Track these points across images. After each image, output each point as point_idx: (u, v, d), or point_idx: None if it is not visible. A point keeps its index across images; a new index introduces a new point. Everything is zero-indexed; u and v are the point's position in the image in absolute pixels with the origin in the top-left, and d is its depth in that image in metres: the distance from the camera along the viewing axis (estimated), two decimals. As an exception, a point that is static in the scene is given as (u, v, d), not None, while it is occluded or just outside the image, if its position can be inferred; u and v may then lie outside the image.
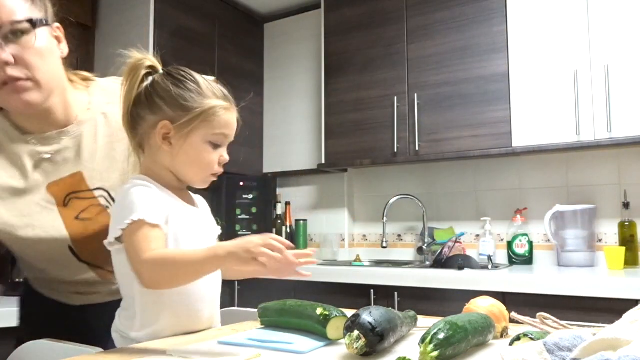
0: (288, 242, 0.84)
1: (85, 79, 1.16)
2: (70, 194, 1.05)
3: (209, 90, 0.99)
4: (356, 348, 0.77)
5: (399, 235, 3.08)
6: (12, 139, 1.03)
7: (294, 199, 3.35)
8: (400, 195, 2.91)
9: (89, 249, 1.08)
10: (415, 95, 2.67)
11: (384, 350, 0.82)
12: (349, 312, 0.88)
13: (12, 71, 0.90)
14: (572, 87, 2.29)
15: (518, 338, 0.77)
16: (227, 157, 1.02)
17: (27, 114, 1.00)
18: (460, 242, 2.69)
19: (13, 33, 0.90)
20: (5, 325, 1.78)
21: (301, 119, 3.29)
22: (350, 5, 2.93)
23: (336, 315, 0.90)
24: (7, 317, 1.80)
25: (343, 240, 3.18)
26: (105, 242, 0.96)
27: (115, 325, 1.02)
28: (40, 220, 1.03)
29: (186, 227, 0.99)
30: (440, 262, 2.49)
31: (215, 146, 1.00)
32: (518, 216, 2.65)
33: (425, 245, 2.83)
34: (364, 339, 0.77)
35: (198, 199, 1.12)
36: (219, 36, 3.06)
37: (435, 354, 0.72)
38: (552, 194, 2.65)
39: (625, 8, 2.22)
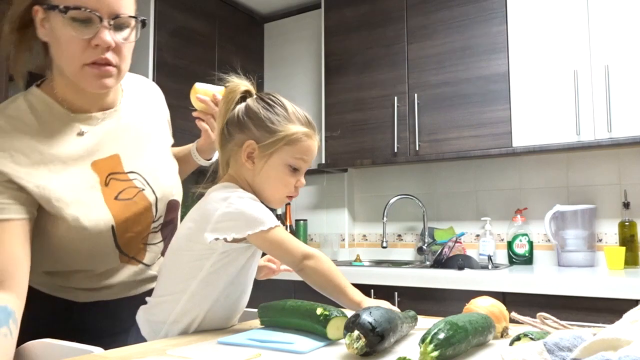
0: None
1: None
2: (110, 174, 1.07)
3: (294, 116, 1.05)
4: (356, 348, 0.77)
5: (399, 235, 3.08)
6: (57, 115, 1.04)
7: (294, 199, 3.35)
8: (400, 195, 2.91)
9: (127, 231, 1.09)
10: (415, 95, 2.67)
11: (384, 350, 0.82)
12: (349, 312, 0.88)
13: (111, 56, 0.99)
14: (572, 87, 2.29)
15: (518, 338, 0.77)
16: (304, 182, 1.07)
17: (82, 94, 1.04)
18: (460, 242, 2.69)
19: (122, 24, 1.00)
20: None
21: (301, 119, 3.29)
22: (350, 5, 2.93)
23: (336, 315, 0.90)
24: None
25: (343, 240, 3.18)
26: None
27: (147, 314, 1.05)
28: (87, 197, 1.03)
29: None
30: (441, 262, 2.50)
31: (294, 170, 1.04)
32: (518, 216, 2.66)
33: (426, 245, 2.83)
34: (364, 339, 0.77)
35: None
36: (219, 36, 3.06)
37: (435, 354, 0.72)
38: (552, 194, 2.65)
39: (625, 8, 2.22)
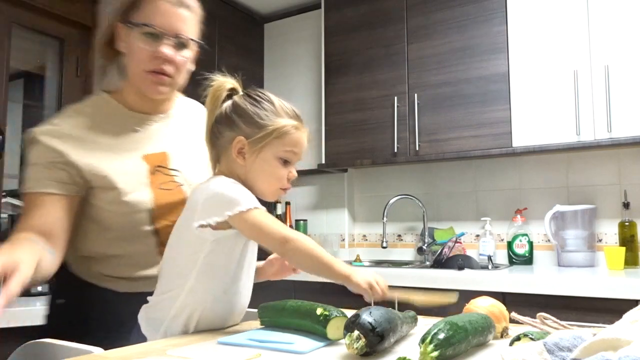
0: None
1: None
2: (157, 166, 1.22)
3: (282, 110, 1.07)
4: (356, 348, 0.77)
5: (399, 235, 3.08)
6: (118, 114, 1.24)
7: (294, 199, 3.35)
8: (400, 195, 2.91)
9: (164, 218, 1.20)
10: (415, 95, 2.67)
11: (384, 350, 0.82)
12: (349, 312, 0.88)
13: (167, 67, 1.18)
14: (572, 87, 2.29)
15: (518, 338, 0.77)
16: (295, 174, 1.10)
17: (143, 99, 1.24)
18: (460, 242, 2.69)
19: (183, 43, 1.20)
20: (4, 325, 1.78)
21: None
22: (350, 5, 2.93)
23: (336, 315, 0.91)
24: (6, 317, 1.81)
25: (343, 240, 3.18)
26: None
27: (148, 312, 1.06)
28: (135, 179, 1.18)
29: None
30: (440, 262, 2.49)
31: (285, 162, 1.07)
32: (518, 216, 2.66)
33: (425, 245, 2.83)
34: (364, 339, 0.77)
35: None
36: (219, 36, 3.06)
37: (435, 354, 0.72)
38: (552, 194, 2.65)
39: (625, 8, 2.22)
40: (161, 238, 1.18)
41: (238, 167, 1.07)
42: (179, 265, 1.03)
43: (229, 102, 1.08)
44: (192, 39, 1.22)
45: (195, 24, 1.25)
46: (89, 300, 1.19)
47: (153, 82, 1.19)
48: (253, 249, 1.10)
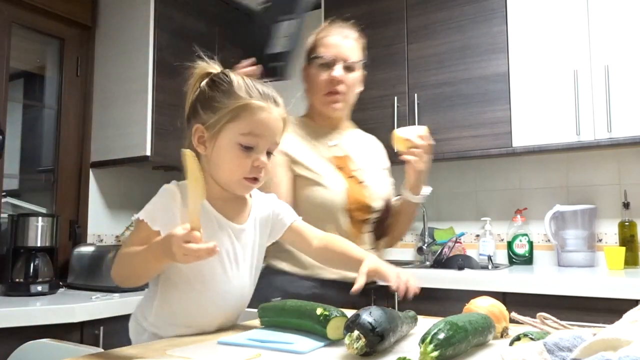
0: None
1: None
2: (339, 167, 1.48)
3: (242, 91, 0.97)
4: (356, 348, 0.77)
5: (399, 235, 3.08)
6: (316, 131, 1.52)
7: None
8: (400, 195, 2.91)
9: (354, 202, 1.44)
10: (415, 95, 2.67)
11: (384, 350, 0.82)
12: (349, 312, 0.88)
13: (340, 87, 1.46)
14: (572, 87, 2.29)
15: (518, 338, 0.77)
16: (264, 162, 0.98)
17: (326, 119, 1.52)
18: (460, 242, 2.69)
19: (350, 67, 1.48)
20: (5, 325, 1.78)
21: (301, 119, 3.29)
22: (350, 5, 2.93)
23: (336, 315, 0.90)
24: (7, 317, 1.81)
25: (343, 240, 3.18)
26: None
27: (135, 310, 1.06)
28: (330, 172, 1.45)
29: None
30: (440, 262, 2.49)
31: (247, 148, 0.97)
32: (518, 216, 2.65)
33: (425, 245, 2.83)
34: (364, 339, 0.77)
35: (263, 203, 1.11)
36: (219, 36, 3.06)
37: (435, 354, 0.72)
38: (552, 194, 2.65)
39: (625, 8, 2.22)
40: (355, 225, 1.46)
41: (203, 160, 1.00)
42: None
43: (197, 90, 1.02)
44: (360, 62, 1.50)
45: (358, 50, 1.51)
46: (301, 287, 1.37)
47: (330, 102, 1.46)
48: (237, 252, 1.03)
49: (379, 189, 1.53)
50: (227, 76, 1.00)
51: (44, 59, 2.85)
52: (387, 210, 1.55)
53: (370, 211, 1.48)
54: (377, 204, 1.49)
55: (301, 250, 1.19)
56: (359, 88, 1.54)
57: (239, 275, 1.04)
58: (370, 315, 0.80)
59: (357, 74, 1.50)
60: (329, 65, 1.45)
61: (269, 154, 1.01)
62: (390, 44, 2.78)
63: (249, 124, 0.96)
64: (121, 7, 2.78)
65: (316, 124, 1.52)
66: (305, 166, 1.43)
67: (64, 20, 2.72)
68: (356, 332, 0.78)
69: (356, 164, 1.51)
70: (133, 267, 0.93)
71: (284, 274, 1.40)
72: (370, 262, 1.08)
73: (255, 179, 1.00)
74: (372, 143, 1.67)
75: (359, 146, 1.58)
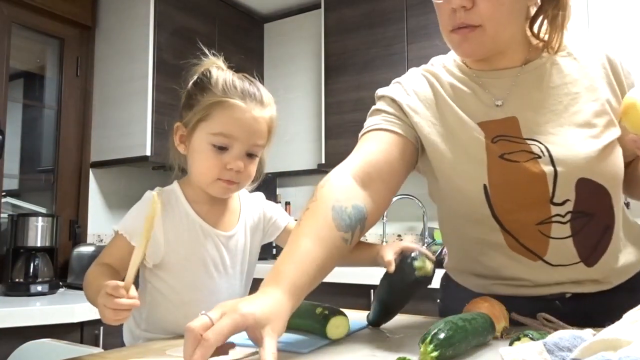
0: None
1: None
2: (499, 135, 0.94)
3: (219, 87, 0.92)
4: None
5: (399, 235, 3.08)
6: (462, 75, 1.02)
7: (294, 199, 3.35)
8: (400, 195, 2.91)
9: (507, 200, 0.93)
10: (415, 95, 2.67)
11: (384, 349, 0.82)
12: (349, 312, 0.87)
13: (465, 18, 0.91)
14: (572, 87, 2.29)
15: (518, 338, 0.77)
16: (239, 164, 0.92)
17: (473, 60, 1.00)
18: (460, 242, 2.69)
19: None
20: (5, 325, 1.78)
21: (301, 119, 3.29)
22: (350, 5, 2.93)
23: (336, 315, 0.90)
24: (7, 317, 1.81)
25: (343, 240, 3.18)
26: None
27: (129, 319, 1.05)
28: (466, 152, 0.95)
29: (187, 256, 0.97)
30: (440, 262, 2.49)
31: (220, 149, 0.92)
32: (518, 216, 2.65)
33: (425, 245, 2.83)
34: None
35: (251, 205, 1.08)
36: (219, 36, 3.06)
37: (435, 354, 0.71)
38: (552, 194, 2.65)
39: (624, 9, 2.22)
40: (510, 228, 0.95)
41: (185, 159, 0.98)
42: (140, 279, 1.02)
43: None
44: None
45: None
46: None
47: (458, 39, 0.97)
48: (197, 267, 0.98)
49: (574, 160, 0.93)
50: (209, 72, 0.95)
51: (44, 59, 2.85)
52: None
53: (551, 210, 0.94)
54: (567, 186, 0.93)
55: None
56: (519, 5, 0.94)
57: (228, 283, 1.02)
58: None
59: None
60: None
61: (251, 156, 0.97)
62: (390, 44, 2.78)
63: (221, 123, 0.91)
64: (121, 7, 2.78)
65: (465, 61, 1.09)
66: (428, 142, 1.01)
67: (64, 20, 2.73)
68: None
69: (536, 129, 0.97)
70: (88, 294, 0.91)
71: None
72: (389, 245, 0.97)
73: (231, 182, 0.95)
74: (567, 66, 1.03)
75: (556, 94, 0.99)
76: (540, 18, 0.96)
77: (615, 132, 0.93)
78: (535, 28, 0.97)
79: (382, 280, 0.95)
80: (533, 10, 0.97)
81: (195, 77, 0.97)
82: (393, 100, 1.03)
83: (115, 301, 0.77)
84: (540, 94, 0.95)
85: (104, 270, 0.90)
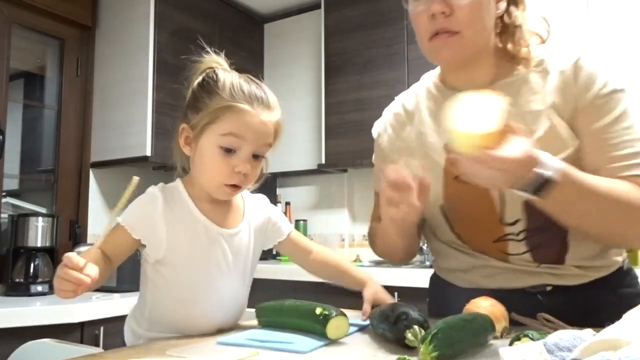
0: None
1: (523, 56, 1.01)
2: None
3: (225, 91, 0.93)
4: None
5: (399, 235, 3.08)
6: (438, 94, 1.06)
7: (294, 199, 3.35)
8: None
9: (464, 220, 1.01)
10: (415, 95, 2.67)
11: (386, 350, 0.82)
12: (349, 312, 0.87)
13: (444, 23, 0.93)
14: (572, 87, 2.29)
15: (518, 338, 0.77)
16: (247, 167, 0.93)
17: (451, 68, 1.01)
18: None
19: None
20: (5, 325, 1.78)
21: (301, 119, 3.29)
22: (350, 5, 2.93)
23: (336, 315, 0.90)
24: (7, 317, 1.81)
25: (343, 240, 3.18)
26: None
27: (128, 318, 1.05)
28: (429, 169, 1.00)
29: (189, 253, 0.97)
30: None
31: (228, 151, 0.92)
32: (518, 216, 2.65)
33: (425, 245, 2.83)
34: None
35: (256, 206, 1.08)
36: (219, 36, 3.06)
37: (435, 354, 0.71)
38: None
39: (624, 9, 2.22)
40: (473, 246, 1.02)
41: (190, 161, 0.98)
42: (141, 277, 1.02)
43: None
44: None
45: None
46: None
47: (437, 46, 0.96)
48: (204, 264, 0.99)
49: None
50: (215, 74, 0.96)
51: (44, 59, 2.85)
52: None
53: (504, 230, 1.00)
54: (515, 206, 0.98)
55: (297, 261, 1.16)
56: (491, 11, 0.97)
57: (230, 281, 1.02)
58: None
59: None
60: None
61: (257, 157, 0.97)
62: (390, 44, 2.78)
63: (229, 126, 0.92)
64: (121, 7, 2.78)
65: (444, 76, 1.09)
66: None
67: (64, 20, 2.72)
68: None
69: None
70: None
71: None
72: (373, 290, 1.07)
73: (236, 186, 0.95)
74: (537, 81, 1.04)
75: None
76: (508, 30, 0.98)
77: (564, 148, 0.94)
78: (505, 40, 0.99)
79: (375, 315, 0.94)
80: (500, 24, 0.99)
81: (200, 78, 0.97)
82: (378, 146, 1.21)
83: (65, 270, 0.77)
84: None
85: (93, 251, 0.89)
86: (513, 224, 0.97)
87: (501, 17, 0.98)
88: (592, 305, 0.95)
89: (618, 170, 0.91)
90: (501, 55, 1.00)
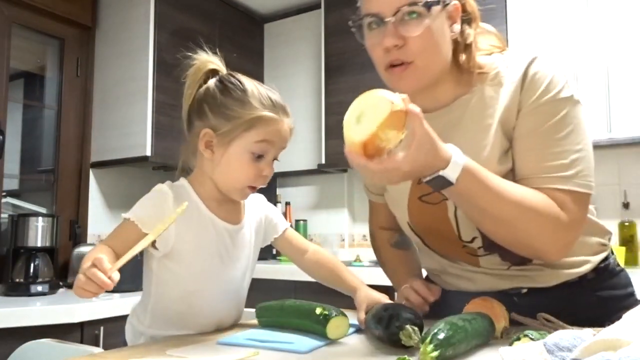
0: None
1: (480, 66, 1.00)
2: None
3: (255, 100, 0.97)
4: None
5: (399, 236, 3.08)
6: None
7: (294, 199, 3.35)
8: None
9: (425, 234, 1.06)
10: (415, 95, 2.67)
11: (385, 351, 0.82)
12: (349, 312, 0.87)
13: (398, 54, 0.93)
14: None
15: (518, 338, 0.77)
16: (270, 171, 1.00)
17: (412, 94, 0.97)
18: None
19: (409, 14, 0.91)
20: (5, 325, 1.78)
21: (301, 119, 3.29)
22: (350, 5, 2.91)
23: (336, 315, 0.90)
24: (7, 317, 1.81)
25: (343, 240, 3.18)
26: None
27: (130, 316, 1.06)
28: (397, 190, 1.06)
29: (196, 246, 0.99)
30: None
31: (258, 157, 0.98)
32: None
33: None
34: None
35: (255, 205, 1.12)
36: (219, 36, 3.06)
37: (435, 354, 0.71)
38: (552, 194, 2.65)
39: (624, 9, 2.22)
40: (450, 257, 1.06)
41: (207, 163, 1.00)
42: (144, 273, 1.03)
43: (202, 88, 1.00)
44: (425, 4, 0.93)
45: None
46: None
47: (392, 77, 0.97)
48: (210, 263, 1.01)
49: None
50: (239, 82, 0.99)
51: (44, 59, 2.85)
52: None
53: (469, 247, 1.04)
54: (468, 228, 1.01)
55: (292, 260, 1.18)
56: (445, 36, 0.96)
57: (232, 275, 1.04)
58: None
59: (430, 22, 0.92)
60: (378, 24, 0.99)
61: (273, 160, 1.03)
62: (390, 44, 2.78)
63: (263, 134, 0.97)
64: (121, 7, 2.78)
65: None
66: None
67: (64, 20, 2.72)
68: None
69: None
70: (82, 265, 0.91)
71: None
72: (364, 295, 1.05)
73: (254, 187, 1.01)
74: (489, 93, 1.05)
75: (471, 128, 1.03)
76: (465, 48, 0.98)
77: (507, 161, 0.95)
78: (461, 58, 0.98)
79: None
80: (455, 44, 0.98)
81: (223, 84, 0.99)
82: None
83: (93, 270, 0.78)
84: (459, 132, 0.97)
85: (104, 248, 0.91)
86: (471, 241, 0.99)
87: (455, 38, 0.97)
88: (569, 307, 0.96)
89: (539, 181, 0.91)
90: (461, 73, 1.00)
